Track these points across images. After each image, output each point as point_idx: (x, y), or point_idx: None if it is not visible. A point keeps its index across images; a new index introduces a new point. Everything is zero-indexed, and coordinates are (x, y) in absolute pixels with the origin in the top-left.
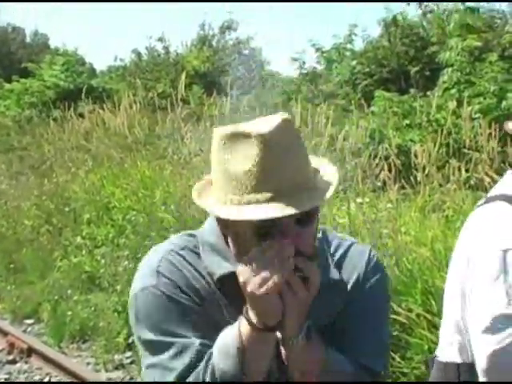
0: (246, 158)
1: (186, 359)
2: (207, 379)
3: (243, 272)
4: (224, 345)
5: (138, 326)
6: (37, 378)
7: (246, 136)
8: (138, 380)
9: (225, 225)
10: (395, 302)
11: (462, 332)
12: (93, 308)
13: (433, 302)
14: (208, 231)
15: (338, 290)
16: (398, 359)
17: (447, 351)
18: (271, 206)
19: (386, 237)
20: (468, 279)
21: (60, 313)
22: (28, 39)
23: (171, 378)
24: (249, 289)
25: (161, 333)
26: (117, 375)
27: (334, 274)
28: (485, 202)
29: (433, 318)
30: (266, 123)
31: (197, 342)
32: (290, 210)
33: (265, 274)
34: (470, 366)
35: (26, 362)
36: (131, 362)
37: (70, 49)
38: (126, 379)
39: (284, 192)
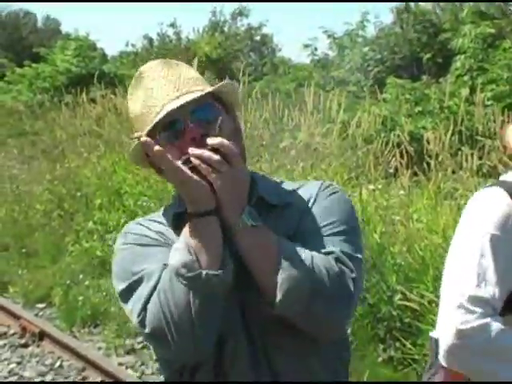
0: (140, 94)
1: (152, 281)
2: (166, 284)
3: (164, 162)
4: (173, 247)
5: (115, 282)
6: (48, 362)
7: (138, 78)
8: (151, 364)
9: (158, 169)
10: (407, 289)
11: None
12: (104, 293)
13: None
14: (170, 203)
15: (292, 210)
16: (409, 346)
17: (437, 327)
18: (164, 108)
19: (397, 223)
20: (451, 260)
21: (72, 297)
22: (40, 24)
23: (140, 302)
24: (171, 178)
25: (131, 276)
26: (128, 360)
27: (289, 198)
28: (487, 187)
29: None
30: None
31: (161, 264)
32: (177, 103)
33: (181, 159)
34: None
35: (38, 346)
36: (142, 347)
37: (81, 34)
38: (138, 364)
39: (173, 97)
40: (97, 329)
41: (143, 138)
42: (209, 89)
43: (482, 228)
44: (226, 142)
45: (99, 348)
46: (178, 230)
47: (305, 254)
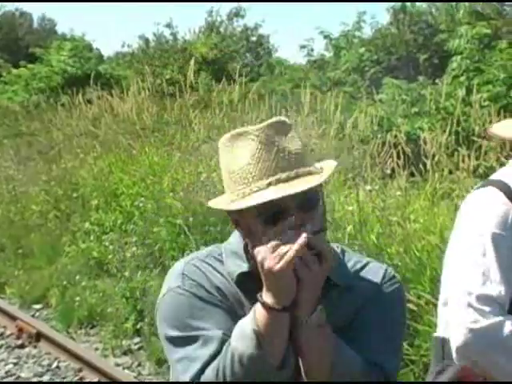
0: (244, 154)
1: (210, 349)
2: (228, 363)
3: (260, 251)
4: (240, 328)
5: (164, 325)
6: (45, 363)
7: (242, 134)
8: (148, 365)
9: (236, 221)
10: (405, 290)
11: (447, 308)
12: (101, 294)
13: None
14: (231, 241)
15: (355, 294)
16: (406, 346)
17: (439, 325)
18: (270, 190)
19: (394, 224)
20: (453, 260)
21: (68, 298)
22: (35, 25)
23: (196, 366)
24: (266, 265)
25: (185, 328)
26: (125, 361)
27: (352, 279)
28: (480, 186)
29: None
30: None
31: (220, 332)
32: (287, 191)
33: (281, 249)
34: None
35: (35, 347)
36: (139, 348)
37: (77, 34)
38: (134, 365)
39: (282, 179)
40: (93, 329)
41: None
42: (323, 178)
43: (482, 227)
44: (323, 242)
45: (96, 349)
46: (239, 287)
47: (360, 362)
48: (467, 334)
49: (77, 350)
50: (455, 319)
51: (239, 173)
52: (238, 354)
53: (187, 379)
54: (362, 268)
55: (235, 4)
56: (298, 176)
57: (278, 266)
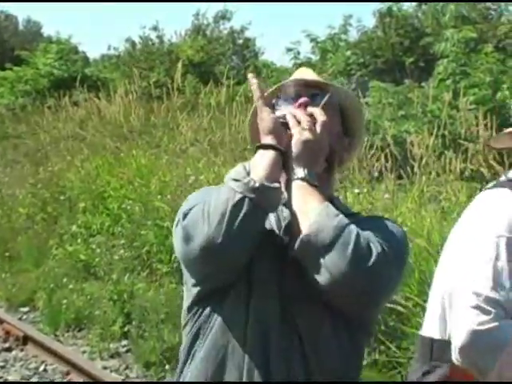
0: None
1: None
2: (215, 191)
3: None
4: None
5: (181, 212)
6: (32, 366)
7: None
8: (135, 368)
9: None
10: None
11: (444, 308)
12: (88, 296)
13: (429, 292)
14: None
15: (353, 219)
16: (393, 349)
17: (427, 325)
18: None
19: None
20: (461, 259)
21: (55, 301)
22: (21, 27)
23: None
24: (261, 113)
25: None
26: (112, 363)
27: (353, 212)
28: (492, 187)
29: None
30: None
31: None
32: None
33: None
34: (443, 343)
35: (22, 350)
36: (127, 351)
37: (63, 37)
38: (122, 368)
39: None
40: (81, 332)
41: (250, 74)
42: (332, 85)
43: (494, 230)
44: (319, 111)
45: (83, 352)
46: None
47: (344, 218)
48: (472, 335)
49: (64, 352)
50: (461, 319)
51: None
52: (227, 177)
53: (179, 214)
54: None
55: (221, 7)
56: (319, 84)
57: (260, 108)
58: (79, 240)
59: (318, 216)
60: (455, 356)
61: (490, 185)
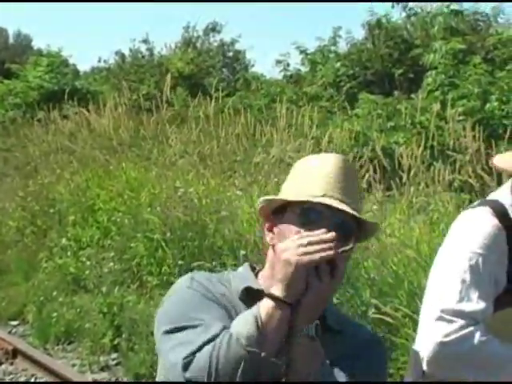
0: (326, 167)
1: (208, 334)
2: (224, 343)
3: (285, 242)
4: (242, 316)
5: (164, 317)
6: (22, 379)
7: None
8: (125, 381)
9: (271, 224)
10: (381, 303)
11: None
12: (78, 309)
13: (418, 303)
14: (240, 271)
15: (345, 339)
16: None
17: (417, 340)
18: (334, 202)
19: (371, 238)
20: (434, 275)
21: (45, 314)
22: (11, 40)
23: (192, 346)
24: (285, 255)
25: (186, 319)
26: (102, 376)
27: (344, 325)
28: (474, 206)
29: (419, 318)
30: None
31: (221, 324)
32: (341, 206)
33: (307, 248)
34: None
35: (12, 364)
36: (117, 364)
37: (53, 50)
38: (112, 381)
39: (343, 200)
40: (71, 345)
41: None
42: (364, 219)
43: (468, 246)
44: (343, 263)
45: (73, 365)
46: (242, 302)
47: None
48: (438, 347)
49: (54, 366)
50: (428, 331)
51: (306, 181)
52: (235, 333)
53: (180, 358)
54: (349, 319)
55: (211, 19)
56: (351, 204)
57: (298, 258)
58: (69, 253)
59: None
60: (425, 368)
61: (475, 203)
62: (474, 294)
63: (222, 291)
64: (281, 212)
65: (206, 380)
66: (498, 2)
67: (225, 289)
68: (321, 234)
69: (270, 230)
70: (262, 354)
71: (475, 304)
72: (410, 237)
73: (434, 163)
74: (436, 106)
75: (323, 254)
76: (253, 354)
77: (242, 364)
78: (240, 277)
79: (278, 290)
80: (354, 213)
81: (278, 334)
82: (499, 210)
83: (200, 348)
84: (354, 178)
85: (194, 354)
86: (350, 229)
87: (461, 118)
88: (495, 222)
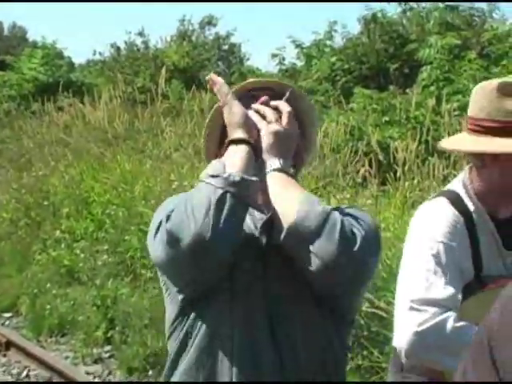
0: None
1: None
2: (195, 189)
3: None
4: (210, 166)
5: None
6: (15, 372)
7: None
8: (118, 374)
9: None
10: (375, 297)
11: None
12: (72, 302)
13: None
14: None
15: None
16: (376, 354)
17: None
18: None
19: None
20: (401, 269)
21: (39, 306)
22: (6, 32)
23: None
24: (228, 99)
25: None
26: (95, 369)
27: None
28: (431, 198)
29: None
30: None
31: None
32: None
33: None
34: None
35: (5, 356)
36: (110, 356)
37: (48, 42)
38: (105, 373)
39: None
40: (64, 338)
41: (212, 75)
42: (288, 85)
43: (430, 236)
44: (283, 103)
45: (66, 357)
46: None
47: (326, 204)
48: (412, 337)
49: (47, 358)
50: (400, 323)
51: None
52: (204, 174)
53: (159, 222)
54: None
55: (207, 12)
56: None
57: (228, 101)
58: (63, 245)
59: (301, 204)
60: (404, 359)
61: (431, 196)
62: (440, 281)
63: None
64: None
65: (185, 218)
66: (494, 1)
67: None
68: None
69: None
70: (231, 177)
71: (442, 290)
72: (405, 231)
73: (429, 158)
74: (431, 101)
75: (256, 106)
76: (218, 181)
77: (214, 192)
78: None
79: (232, 135)
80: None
81: (242, 163)
82: (455, 199)
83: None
84: None
85: (172, 210)
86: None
87: (456, 113)
88: (452, 210)
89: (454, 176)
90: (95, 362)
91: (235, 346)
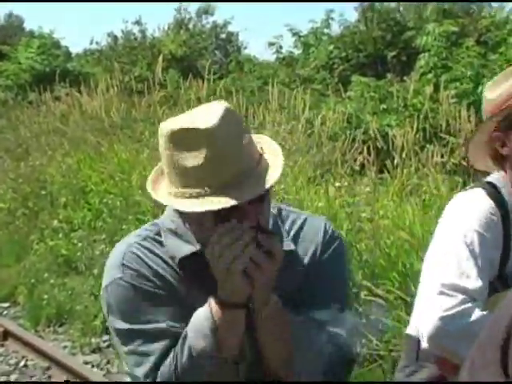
0: (194, 154)
1: (161, 343)
2: (184, 359)
3: (212, 252)
4: (198, 326)
5: (111, 317)
6: (13, 362)
7: (192, 131)
8: (116, 363)
9: (182, 214)
10: (374, 285)
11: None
12: (69, 291)
13: (411, 285)
14: (168, 218)
15: (297, 257)
16: (375, 341)
17: (414, 324)
18: (221, 197)
19: (364, 220)
20: (432, 254)
21: (36, 296)
22: (2, 21)
23: (149, 362)
24: (221, 265)
25: (133, 322)
26: (93, 358)
27: (290, 247)
28: (468, 188)
29: (411, 300)
30: (209, 115)
31: (170, 324)
32: (235, 201)
33: (235, 251)
34: None
35: (2, 346)
36: (108, 346)
37: (45, 31)
38: (103, 363)
39: (231, 182)
40: (62, 328)
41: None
42: (269, 185)
43: (465, 226)
44: (273, 240)
45: (64, 347)
46: (183, 271)
47: (316, 338)
48: (437, 321)
49: (45, 348)
50: (428, 307)
51: (189, 172)
52: (196, 352)
53: (140, 375)
54: (301, 227)
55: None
56: (247, 177)
57: (233, 266)
58: (60, 235)
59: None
60: (425, 344)
61: (469, 186)
62: (473, 271)
63: (158, 270)
64: None
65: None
66: (496, 1)
67: (161, 263)
68: (240, 233)
69: (184, 216)
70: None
71: (474, 281)
72: (403, 219)
73: (427, 146)
74: (429, 89)
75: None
76: (215, 361)
77: (207, 371)
78: (171, 234)
79: (225, 296)
80: (252, 195)
81: (238, 333)
82: (493, 192)
83: (159, 360)
84: (237, 129)
85: (155, 368)
86: (260, 198)
87: (453, 100)
88: (490, 203)
89: (452, 164)
90: (93, 351)
91: None
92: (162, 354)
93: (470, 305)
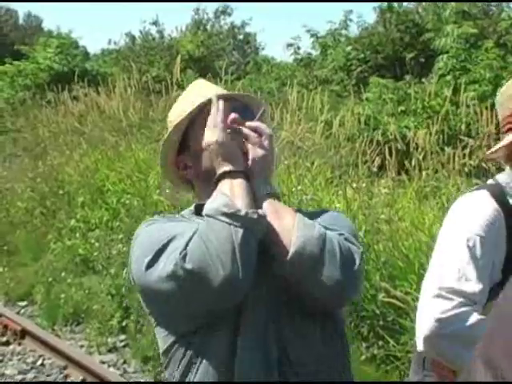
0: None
1: (186, 236)
2: (208, 228)
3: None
4: (208, 202)
5: (140, 259)
6: (30, 361)
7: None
8: (133, 363)
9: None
10: (392, 287)
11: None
12: (86, 291)
13: None
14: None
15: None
16: (392, 343)
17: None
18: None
19: (381, 222)
20: (433, 257)
21: (53, 295)
22: (21, 21)
23: (179, 250)
24: (209, 140)
25: (161, 241)
26: (110, 358)
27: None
28: (473, 190)
29: None
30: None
31: (193, 228)
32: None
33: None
34: None
35: (20, 344)
36: (124, 346)
37: (63, 31)
38: (120, 362)
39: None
40: (79, 327)
41: (216, 101)
42: (259, 103)
43: (468, 228)
44: (262, 125)
45: (81, 346)
46: (198, 215)
47: (319, 225)
48: (433, 323)
49: (62, 347)
50: (424, 308)
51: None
52: (213, 210)
53: (176, 261)
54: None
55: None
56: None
57: (220, 136)
58: (78, 234)
59: (299, 230)
60: (421, 346)
61: (474, 188)
62: (472, 275)
63: (181, 215)
64: None
65: (209, 259)
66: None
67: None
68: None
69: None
70: (243, 211)
71: (473, 284)
72: (422, 221)
73: (445, 148)
74: (447, 91)
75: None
76: (236, 215)
77: (233, 228)
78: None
79: (224, 167)
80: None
81: (246, 193)
82: (497, 193)
83: (187, 243)
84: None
85: (185, 247)
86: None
87: (472, 102)
88: (494, 204)
89: (471, 166)
90: (110, 350)
91: (237, 374)
92: (189, 238)
93: (467, 308)
